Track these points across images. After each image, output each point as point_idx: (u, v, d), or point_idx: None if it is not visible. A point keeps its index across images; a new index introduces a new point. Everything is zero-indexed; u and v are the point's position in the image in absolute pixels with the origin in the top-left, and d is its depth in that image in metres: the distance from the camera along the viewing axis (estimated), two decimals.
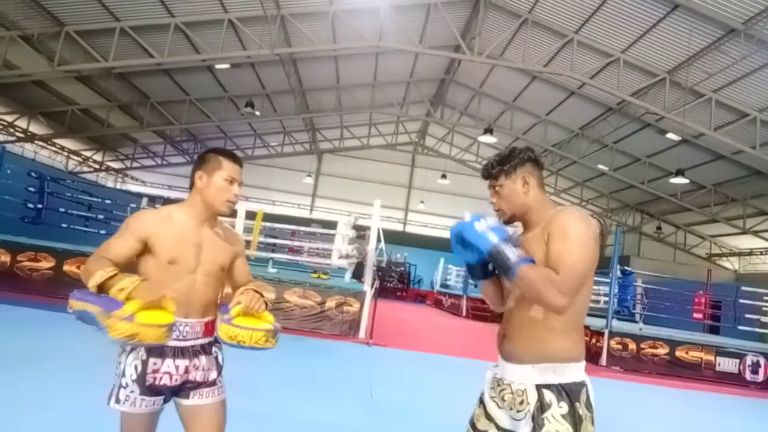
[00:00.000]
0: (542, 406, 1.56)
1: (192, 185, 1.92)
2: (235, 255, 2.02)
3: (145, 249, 1.81)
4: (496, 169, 1.77)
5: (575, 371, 1.63)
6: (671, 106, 13.09)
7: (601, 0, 11.75)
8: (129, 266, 1.79)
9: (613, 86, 13.55)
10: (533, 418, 1.56)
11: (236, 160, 1.93)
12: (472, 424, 1.76)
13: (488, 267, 1.76)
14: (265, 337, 1.76)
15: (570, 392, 1.58)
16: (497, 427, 1.68)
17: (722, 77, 12.38)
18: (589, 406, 1.60)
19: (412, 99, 21.22)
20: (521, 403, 1.60)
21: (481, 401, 1.78)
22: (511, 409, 1.63)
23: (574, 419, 1.55)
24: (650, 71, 13.32)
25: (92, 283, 1.64)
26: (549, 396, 1.57)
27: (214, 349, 1.92)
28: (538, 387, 1.59)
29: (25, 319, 6.61)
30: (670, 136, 16.37)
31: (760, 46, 10.65)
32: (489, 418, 1.72)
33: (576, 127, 19.07)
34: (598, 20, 12.49)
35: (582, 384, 1.62)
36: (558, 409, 1.56)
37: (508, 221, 1.79)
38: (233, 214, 10.26)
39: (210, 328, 1.90)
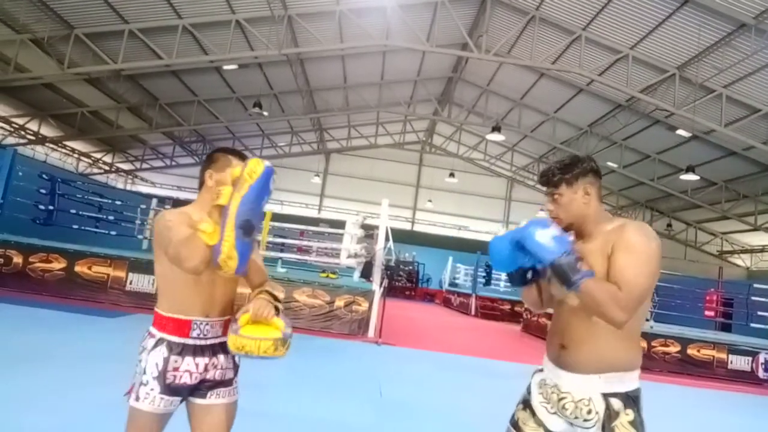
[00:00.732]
0: (611, 415, 1.61)
1: (201, 184, 1.94)
2: None
3: None
4: (557, 177, 1.75)
5: (635, 379, 1.68)
6: (681, 102, 12.98)
7: None
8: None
9: (622, 83, 13.46)
10: (603, 427, 1.61)
11: (244, 159, 1.93)
12: (515, 426, 1.79)
13: (528, 274, 1.79)
14: (274, 345, 1.73)
15: (635, 399, 1.64)
16: (547, 430, 1.72)
17: (733, 72, 12.25)
18: (641, 413, 1.66)
19: (419, 98, 21.19)
20: (589, 412, 1.63)
21: (526, 405, 1.80)
22: (576, 418, 1.65)
23: (640, 425, 1.62)
24: (660, 67, 13.21)
25: (207, 229, 1.72)
26: (617, 404, 1.62)
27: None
28: (605, 396, 1.63)
29: (37, 318, 6.67)
30: (680, 132, 16.23)
31: None
32: (538, 423, 1.74)
33: (585, 124, 18.96)
34: (606, 16, 12.40)
35: (640, 390, 1.67)
36: (626, 416, 1.61)
37: (564, 230, 1.74)
38: None
39: (226, 327, 1.91)
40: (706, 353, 9.99)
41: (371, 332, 8.85)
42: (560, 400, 1.69)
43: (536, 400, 1.77)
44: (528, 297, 1.90)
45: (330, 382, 5.39)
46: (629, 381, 1.66)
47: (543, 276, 1.79)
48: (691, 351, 9.98)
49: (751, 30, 10.62)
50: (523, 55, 15.04)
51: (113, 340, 5.87)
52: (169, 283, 1.83)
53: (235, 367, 1.94)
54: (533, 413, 1.76)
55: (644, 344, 9.90)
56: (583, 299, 1.57)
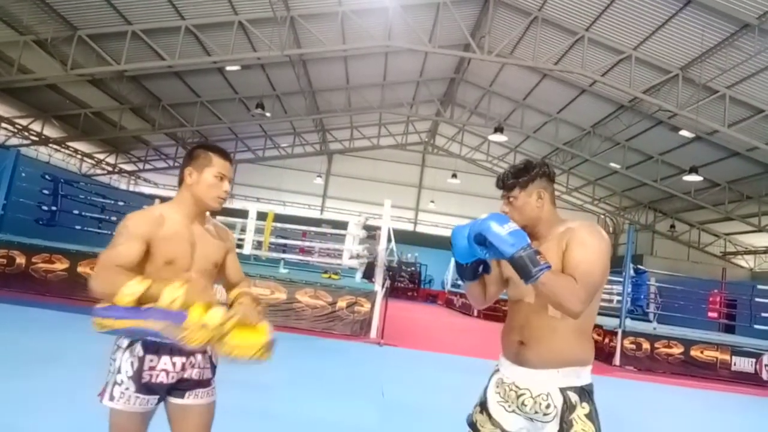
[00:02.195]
0: (568, 408, 1.67)
1: (181, 181, 1.89)
2: (227, 251, 2.01)
3: (147, 251, 1.77)
4: (511, 181, 1.83)
5: (589, 373, 1.75)
6: (684, 102, 12.95)
7: None
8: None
9: (624, 83, 13.43)
10: (561, 420, 1.66)
11: (226, 156, 1.91)
12: (473, 427, 1.83)
13: (479, 269, 1.83)
14: (261, 351, 1.71)
15: (589, 393, 1.71)
16: (503, 431, 1.76)
17: (736, 73, 12.22)
18: (596, 404, 1.73)
19: (421, 99, 21.19)
20: (548, 406, 1.68)
21: (483, 408, 1.83)
22: (536, 413, 1.70)
23: (595, 417, 1.69)
24: (663, 68, 13.18)
25: (128, 299, 1.59)
26: (574, 398, 1.68)
27: (208, 347, 1.89)
28: (563, 390, 1.69)
29: (40, 319, 6.69)
30: (683, 133, 16.19)
31: None
32: (494, 423, 1.78)
33: (587, 125, 18.92)
34: (609, 17, 12.38)
35: (592, 385, 1.74)
36: (582, 409, 1.67)
37: None
38: (244, 214, 10.31)
39: None
40: (710, 355, 9.95)
41: (373, 333, 8.84)
42: (519, 396, 1.74)
43: (492, 401, 1.81)
44: (473, 292, 1.95)
45: (332, 383, 5.39)
46: (584, 375, 1.73)
47: (489, 272, 1.86)
48: (695, 352, 9.95)
49: (755, 30, 10.60)
50: (525, 56, 15.03)
51: (111, 340, 5.87)
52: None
53: (213, 367, 1.90)
54: (489, 415, 1.80)
55: (647, 345, 9.89)
56: (542, 291, 1.60)
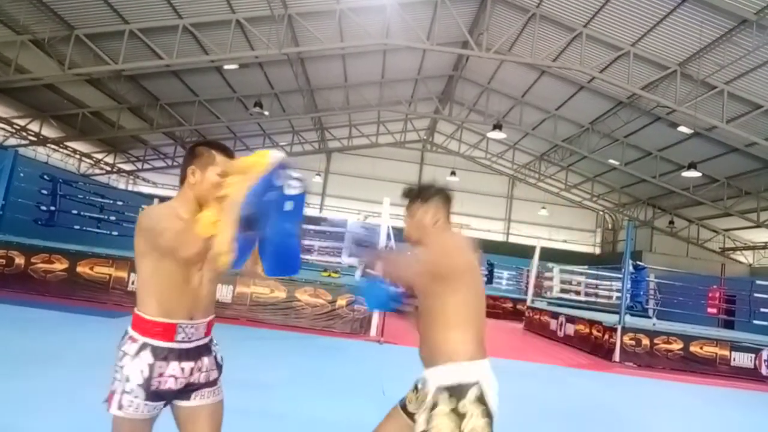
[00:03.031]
0: (434, 404, 1.82)
1: (183, 179, 1.86)
2: None
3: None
4: (411, 196, 2.12)
5: (464, 371, 1.85)
6: (682, 98, 12.94)
7: None
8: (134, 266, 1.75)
9: (623, 80, 13.42)
10: (427, 415, 1.82)
11: (229, 154, 1.87)
12: (403, 406, 2.05)
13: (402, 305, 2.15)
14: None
15: (454, 391, 1.81)
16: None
17: (734, 69, 12.21)
18: (480, 402, 1.81)
19: (420, 96, 21.16)
20: (423, 401, 1.87)
21: (413, 390, 2.05)
22: (417, 409, 1.90)
23: (457, 415, 1.78)
24: (661, 64, 13.18)
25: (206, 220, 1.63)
26: (440, 395, 1.82)
27: (213, 348, 1.90)
28: (437, 388, 1.84)
29: (39, 319, 6.68)
30: (682, 129, 16.19)
31: None
32: (414, 407, 1.97)
33: (586, 121, 18.92)
34: (607, 13, 12.37)
35: (471, 384, 1.83)
36: (444, 406, 1.80)
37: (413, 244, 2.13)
38: None
39: (210, 328, 1.89)
40: (709, 350, 9.97)
41: (373, 331, 8.85)
42: (414, 392, 2.01)
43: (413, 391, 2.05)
44: (408, 321, 2.22)
45: (332, 381, 5.39)
46: (453, 373, 1.85)
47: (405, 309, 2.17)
48: (694, 348, 9.97)
49: (753, 26, 10.59)
50: (523, 53, 15.02)
51: (115, 340, 5.87)
52: (156, 284, 1.75)
53: (219, 367, 1.89)
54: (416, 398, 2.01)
55: (647, 341, 9.91)
56: (385, 267, 1.99)
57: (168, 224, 1.68)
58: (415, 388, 2.04)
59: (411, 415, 1.96)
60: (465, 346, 1.88)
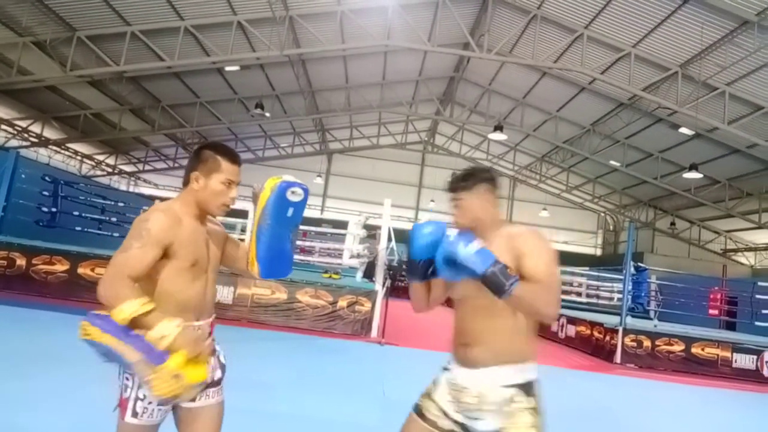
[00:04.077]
0: (508, 403, 1.76)
1: (186, 182, 1.81)
2: (225, 243, 2.00)
3: (163, 254, 1.70)
4: (457, 184, 1.97)
5: (533, 370, 1.84)
6: (684, 100, 12.94)
7: None
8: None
9: (624, 81, 13.42)
10: (501, 414, 1.75)
11: (235, 160, 1.83)
12: (420, 414, 1.93)
13: (429, 269, 1.92)
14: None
15: (532, 388, 1.80)
16: (450, 419, 1.86)
17: (736, 70, 12.21)
18: (541, 399, 1.82)
19: (421, 97, 21.18)
20: (488, 402, 1.78)
21: (430, 397, 1.95)
22: (476, 410, 1.80)
23: (538, 412, 1.78)
24: (662, 65, 13.17)
25: (123, 316, 1.52)
26: (514, 393, 1.78)
27: (216, 348, 1.90)
28: (505, 387, 1.78)
29: (41, 320, 6.69)
30: (683, 130, 16.18)
31: None
32: (441, 410, 1.89)
33: (587, 123, 18.92)
34: (608, 14, 12.37)
35: (537, 381, 1.84)
36: (520, 403, 1.77)
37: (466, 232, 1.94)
38: (244, 215, 10.31)
39: (212, 328, 1.89)
40: (711, 352, 9.95)
41: (374, 332, 8.85)
42: (462, 394, 1.85)
43: (440, 394, 1.92)
44: (418, 293, 2.04)
45: (333, 382, 5.39)
46: (526, 371, 1.82)
47: (437, 275, 1.91)
48: (696, 350, 9.95)
49: (754, 27, 10.58)
50: (525, 54, 15.02)
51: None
52: (166, 287, 1.72)
53: (223, 367, 1.89)
54: (437, 404, 1.91)
55: (648, 343, 9.89)
56: (516, 303, 1.70)
57: (135, 242, 1.65)
58: (429, 395, 1.96)
59: (432, 423, 1.89)
60: (535, 347, 1.89)
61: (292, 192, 1.83)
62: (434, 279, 1.97)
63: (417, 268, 1.92)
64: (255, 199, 1.84)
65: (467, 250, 1.67)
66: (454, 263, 1.70)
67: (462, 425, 1.84)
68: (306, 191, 1.87)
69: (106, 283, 1.59)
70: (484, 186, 1.94)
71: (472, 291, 1.81)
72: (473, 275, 1.67)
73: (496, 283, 1.64)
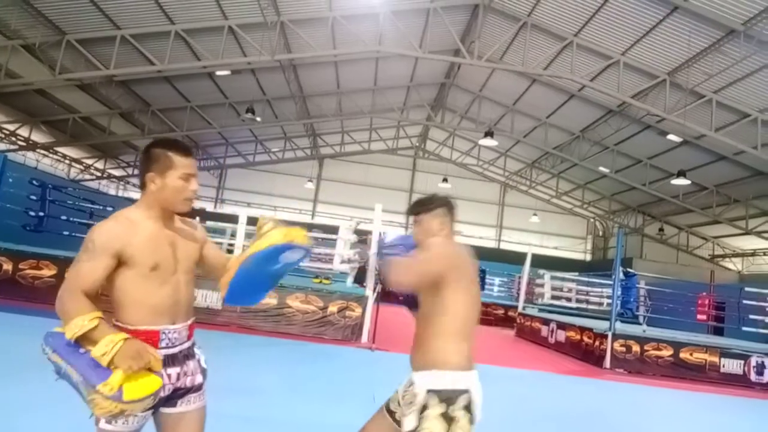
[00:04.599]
0: (425, 406, 1.92)
1: (143, 185, 1.77)
2: (202, 245, 1.95)
3: (119, 262, 1.68)
4: (418, 208, 2.30)
5: (456, 379, 1.97)
6: (672, 107, 13.08)
7: (600, 2, 11.76)
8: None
9: (613, 88, 13.55)
10: (418, 416, 1.92)
11: (188, 153, 1.78)
12: (387, 408, 2.12)
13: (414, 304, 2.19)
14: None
15: (447, 397, 1.92)
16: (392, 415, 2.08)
17: (723, 78, 12.38)
18: (467, 410, 1.94)
19: (412, 103, 21.25)
20: (411, 403, 1.97)
21: (397, 390, 2.13)
22: (400, 407, 2.01)
23: (452, 419, 1.90)
24: (650, 73, 13.32)
25: (70, 334, 1.50)
26: (431, 398, 1.93)
27: (197, 352, 1.88)
28: (428, 391, 1.94)
29: (28, 326, 6.61)
30: (671, 137, 16.35)
31: (760, 47, 10.64)
32: (396, 402, 2.08)
33: (577, 129, 19.07)
34: (597, 23, 12.50)
35: (462, 391, 1.95)
36: (435, 409, 1.91)
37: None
38: (234, 219, 10.27)
39: (192, 331, 1.87)
40: (699, 357, 10.03)
41: (365, 338, 8.83)
42: (402, 394, 2.06)
43: (401, 388, 2.11)
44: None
45: (323, 387, 5.37)
46: (446, 379, 1.96)
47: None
48: (684, 354, 10.03)
49: (740, 36, 10.74)
50: (515, 61, 15.13)
51: None
52: (132, 293, 1.69)
53: (203, 371, 1.87)
54: (397, 396, 2.11)
55: (637, 348, 9.95)
56: (384, 267, 2.04)
57: (83, 255, 1.66)
58: (396, 392, 2.13)
59: (393, 414, 2.07)
60: (459, 356, 2.01)
61: (292, 253, 1.86)
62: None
63: (412, 302, 2.20)
64: (258, 231, 1.83)
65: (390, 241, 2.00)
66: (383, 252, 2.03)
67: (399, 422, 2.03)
68: (305, 252, 1.91)
69: (60, 299, 1.58)
70: (441, 210, 2.25)
71: (421, 298, 2.10)
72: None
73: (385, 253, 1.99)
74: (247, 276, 1.80)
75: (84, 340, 1.53)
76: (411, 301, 2.21)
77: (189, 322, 1.84)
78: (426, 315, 2.05)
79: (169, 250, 1.78)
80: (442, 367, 1.97)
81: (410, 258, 2.11)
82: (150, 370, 1.56)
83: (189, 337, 1.84)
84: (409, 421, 1.93)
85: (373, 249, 9.64)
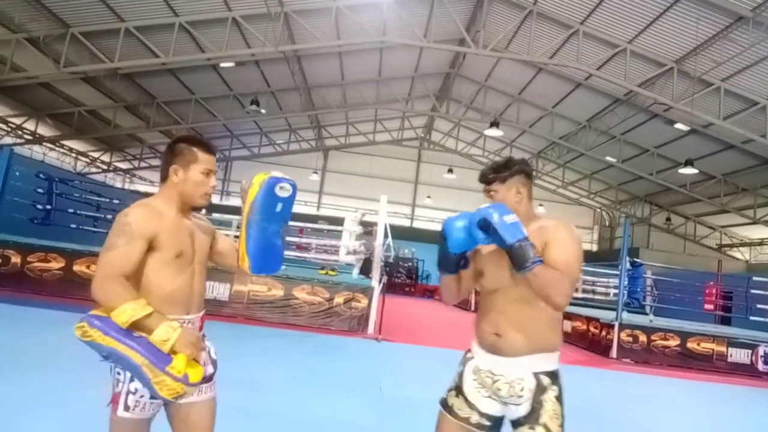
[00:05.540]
0: (541, 390, 1.81)
1: (165, 178, 1.83)
2: (213, 237, 2.00)
3: (149, 247, 1.72)
4: (491, 176, 1.94)
5: (557, 359, 1.90)
6: (679, 96, 12.96)
7: None
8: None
9: (620, 77, 13.44)
10: (534, 401, 1.79)
11: (211, 150, 1.86)
12: (449, 410, 1.93)
13: (461, 261, 1.94)
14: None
15: (558, 377, 1.86)
16: (480, 413, 1.87)
17: (731, 66, 12.23)
18: (564, 388, 1.88)
19: (417, 94, 21.16)
20: (522, 389, 1.81)
21: (459, 392, 1.94)
22: (511, 396, 1.83)
23: (561, 400, 1.83)
24: (658, 61, 13.19)
25: (125, 319, 1.56)
26: (546, 381, 1.82)
27: (207, 343, 1.90)
28: (536, 374, 1.82)
29: (36, 318, 6.66)
30: (679, 126, 16.22)
31: None
32: (470, 406, 1.89)
33: (583, 119, 18.94)
34: (604, 10, 12.37)
35: (560, 370, 1.89)
36: (552, 391, 1.82)
37: None
38: (240, 212, 10.28)
39: (202, 323, 1.89)
40: (706, 346, 10.00)
41: (371, 329, 8.85)
42: (494, 383, 1.86)
43: (469, 386, 1.92)
44: (450, 285, 2.04)
45: (330, 379, 5.38)
46: (554, 361, 1.88)
47: (468, 266, 1.97)
48: (691, 344, 10.00)
49: (749, 22, 10.60)
50: (520, 50, 15.01)
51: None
52: (154, 280, 1.73)
53: (214, 362, 1.89)
54: (466, 399, 1.91)
55: (644, 338, 9.93)
56: (532, 281, 1.71)
57: (123, 246, 1.66)
58: (457, 389, 1.95)
59: (465, 419, 1.88)
60: (560, 337, 1.95)
61: (281, 187, 1.84)
62: (464, 271, 1.99)
63: (451, 261, 1.92)
64: (243, 194, 1.84)
65: (503, 219, 1.70)
66: (486, 228, 1.72)
67: (489, 416, 1.86)
68: (294, 187, 1.88)
69: (99, 284, 1.61)
70: (518, 178, 1.92)
71: (507, 281, 1.85)
72: (501, 243, 1.71)
73: (521, 256, 1.68)
74: (260, 232, 1.85)
75: (133, 326, 1.58)
76: (449, 263, 1.93)
77: (201, 313, 1.88)
78: (529, 299, 1.80)
79: (188, 240, 1.83)
80: (552, 349, 1.89)
81: (557, 267, 1.75)
82: (196, 362, 1.65)
83: (200, 329, 1.86)
84: (521, 409, 1.81)
85: (379, 240, 9.64)
